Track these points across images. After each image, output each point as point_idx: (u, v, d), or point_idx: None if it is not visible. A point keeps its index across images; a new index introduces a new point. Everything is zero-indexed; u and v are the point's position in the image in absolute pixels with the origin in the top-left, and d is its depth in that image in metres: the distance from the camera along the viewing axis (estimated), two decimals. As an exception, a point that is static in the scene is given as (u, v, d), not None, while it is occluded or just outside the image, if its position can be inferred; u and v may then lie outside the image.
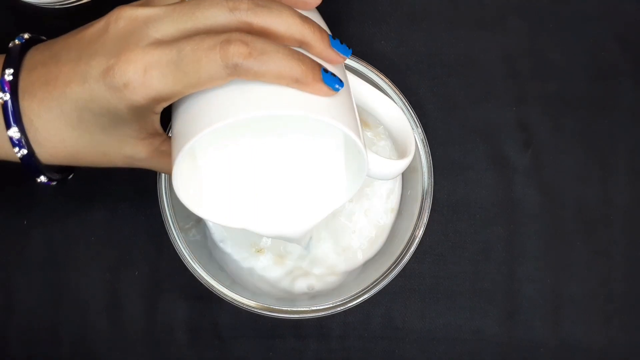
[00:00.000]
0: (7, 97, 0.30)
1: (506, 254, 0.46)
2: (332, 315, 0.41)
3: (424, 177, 0.42)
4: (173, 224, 0.41)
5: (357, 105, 0.34)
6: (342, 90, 0.30)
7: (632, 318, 0.46)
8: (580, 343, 0.46)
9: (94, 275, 0.46)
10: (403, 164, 0.35)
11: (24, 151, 0.31)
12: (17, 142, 0.31)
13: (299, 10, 0.32)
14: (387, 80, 0.42)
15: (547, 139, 0.47)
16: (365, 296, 0.41)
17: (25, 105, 0.31)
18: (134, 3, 0.31)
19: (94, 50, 0.30)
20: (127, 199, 0.46)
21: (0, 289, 0.46)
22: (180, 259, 0.41)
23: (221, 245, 0.44)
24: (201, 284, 0.41)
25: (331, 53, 0.31)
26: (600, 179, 0.47)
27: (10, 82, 0.31)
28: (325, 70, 0.30)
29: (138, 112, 0.30)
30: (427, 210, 0.42)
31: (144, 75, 0.28)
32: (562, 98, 0.47)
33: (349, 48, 0.31)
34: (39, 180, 0.34)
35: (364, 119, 0.45)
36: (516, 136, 0.47)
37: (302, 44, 0.30)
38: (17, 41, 0.33)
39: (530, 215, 0.47)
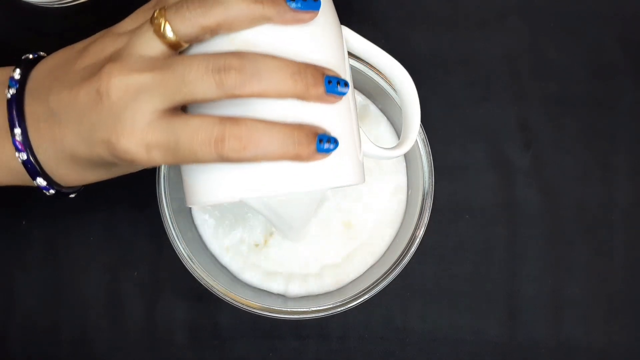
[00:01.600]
0: (25, 156, 0.33)
1: (507, 254, 0.46)
2: (332, 316, 0.41)
3: (425, 177, 0.42)
4: (173, 224, 0.41)
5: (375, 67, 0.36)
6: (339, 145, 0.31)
7: (633, 318, 0.46)
8: (581, 343, 0.46)
9: (94, 275, 0.46)
10: (399, 152, 0.36)
11: (52, 191, 0.35)
12: (45, 187, 0.34)
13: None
14: (387, 80, 0.42)
15: (547, 139, 0.47)
16: (366, 296, 0.41)
17: (43, 160, 0.33)
18: (116, 61, 0.30)
19: (93, 122, 0.30)
20: (127, 199, 0.46)
21: (1, 289, 0.46)
22: (180, 259, 0.41)
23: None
24: (201, 284, 0.41)
25: (327, 99, 0.31)
26: (601, 179, 0.47)
27: (22, 141, 0.33)
28: (320, 141, 0.30)
29: None
30: (427, 211, 0.42)
31: (147, 154, 0.30)
32: (562, 98, 0.47)
33: (347, 85, 0.31)
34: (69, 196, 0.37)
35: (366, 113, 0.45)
36: (516, 136, 0.47)
37: (297, 98, 0.30)
38: (12, 90, 0.33)
39: (530, 216, 0.46)
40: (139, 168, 0.34)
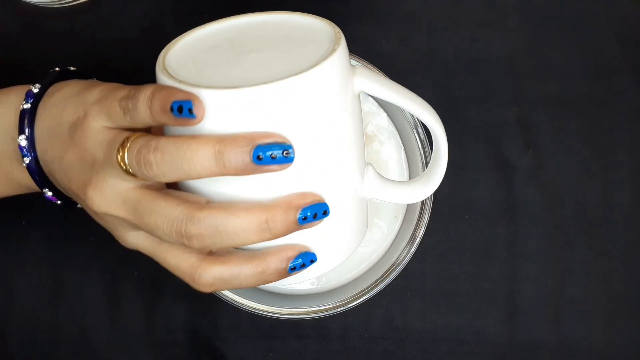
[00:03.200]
0: (59, 202, 0.37)
1: (507, 254, 0.46)
2: (332, 316, 0.41)
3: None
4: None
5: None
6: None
7: (633, 318, 0.46)
8: (581, 343, 0.46)
9: (94, 275, 0.46)
10: (414, 196, 0.35)
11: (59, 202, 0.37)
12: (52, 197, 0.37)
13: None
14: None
15: (547, 139, 0.47)
16: (366, 297, 0.41)
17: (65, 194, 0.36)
18: (96, 189, 0.31)
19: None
20: (127, 199, 0.46)
21: (1, 289, 0.46)
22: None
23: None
24: (201, 284, 0.41)
25: (302, 229, 0.29)
26: (601, 178, 0.47)
27: (51, 196, 0.36)
28: (291, 270, 0.30)
29: None
30: (427, 211, 0.42)
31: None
32: (562, 97, 0.47)
33: (325, 213, 0.29)
34: None
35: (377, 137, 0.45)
36: (517, 136, 0.47)
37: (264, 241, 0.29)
38: (26, 159, 0.34)
39: (530, 215, 0.46)
40: None
